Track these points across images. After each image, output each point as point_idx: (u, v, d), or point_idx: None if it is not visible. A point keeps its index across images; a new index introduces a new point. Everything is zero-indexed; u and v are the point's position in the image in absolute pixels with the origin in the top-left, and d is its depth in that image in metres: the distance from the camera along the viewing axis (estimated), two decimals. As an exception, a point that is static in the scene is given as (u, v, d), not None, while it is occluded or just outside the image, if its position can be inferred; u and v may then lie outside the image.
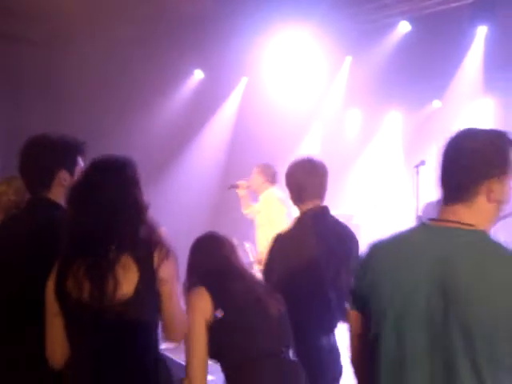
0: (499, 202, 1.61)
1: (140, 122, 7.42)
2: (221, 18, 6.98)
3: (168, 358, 2.35)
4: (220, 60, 7.78)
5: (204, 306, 2.28)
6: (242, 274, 2.45)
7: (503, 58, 7.33)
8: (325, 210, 2.87)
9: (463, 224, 1.58)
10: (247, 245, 5.26)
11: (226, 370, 2.33)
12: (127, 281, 1.88)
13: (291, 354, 2.35)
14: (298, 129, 8.92)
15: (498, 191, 1.59)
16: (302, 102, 8.56)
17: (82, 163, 2.35)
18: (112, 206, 1.93)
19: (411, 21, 7.53)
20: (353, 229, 2.96)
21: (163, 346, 2.16)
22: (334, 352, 2.70)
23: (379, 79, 8.07)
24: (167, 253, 1.95)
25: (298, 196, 2.88)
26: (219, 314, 2.27)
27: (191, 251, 2.54)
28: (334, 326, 2.72)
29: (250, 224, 5.61)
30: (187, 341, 2.24)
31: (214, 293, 2.31)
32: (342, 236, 2.82)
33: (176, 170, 8.14)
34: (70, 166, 2.32)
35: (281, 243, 2.88)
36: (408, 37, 7.62)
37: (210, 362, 2.33)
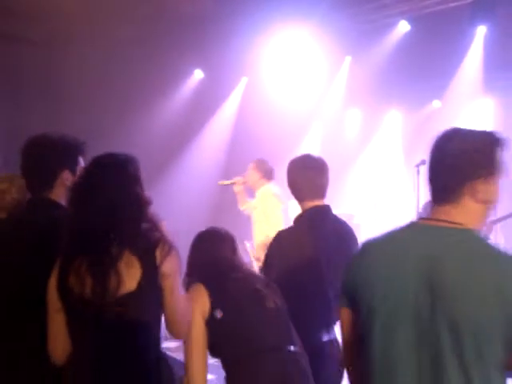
0: (487, 202, 1.62)
1: (140, 121, 7.42)
2: (221, 17, 6.98)
3: (169, 356, 2.35)
4: (220, 60, 7.78)
5: (202, 302, 2.29)
6: (239, 270, 2.46)
7: (503, 58, 7.34)
8: (326, 208, 2.87)
9: (452, 223, 1.60)
10: (248, 244, 5.26)
11: (226, 366, 2.33)
12: (130, 277, 1.89)
13: (293, 346, 2.34)
14: (298, 129, 8.92)
15: (484, 192, 1.60)
16: (302, 101, 8.56)
17: (82, 163, 2.36)
18: (114, 202, 1.93)
19: (411, 21, 7.53)
20: (353, 228, 2.96)
21: (164, 344, 2.16)
22: (335, 345, 2.70)
23: (379, 79, 8.08)
24: (169, 248, 1.95)
25: (298, 194, 2.88)
26: (218, 314, 2.27)
27: (191, 248, 2.55)
28: (334, 320, 2.72)
29: (249, 223, 5.61)
30: (186, 339, 2.24)
31: (212, 290, 2.31)
32: (342, 234, 2.82)
33: (176, 170, 8.14)
34: (73, 166, 2.33)
35: (281, 240, 2.88)
36: (408, 37, 7.62)
37: (210, 361, 2.34)
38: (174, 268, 1.96)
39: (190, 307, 2.18)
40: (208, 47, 7.43)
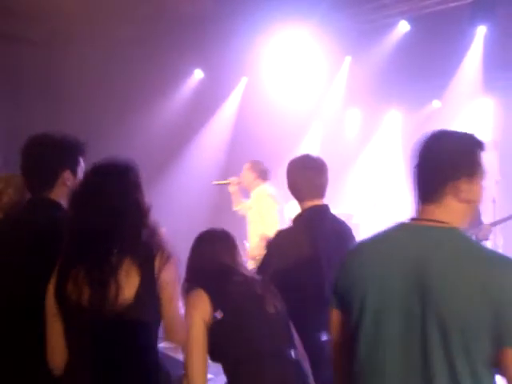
0: (470, 202, 1.66)
1: (140, 121, 7.41)
2: (221, 17, 6.97)
3: (166, 355, 2.35)
4: (220, 60, 7.78)
5: (203, 308, 2.27)
6: (240, 273, 2.44)
7: (503, 58, 7.34)
8: (324, 207, 2.88)
9: (437, 222, 1.64)
10: (247, 244, 5.26)
11: (226, 371, 2.32)
12: (128, 285, 1.88)
13: (293, 353, 2.34)
14: (298, 129, 8.93)
15: (467, 191, 1.64)
16: (302, 101, 8.56)
17: (83, 163, 2.36)
18: (114, 210, 1.92)
19: (411, 21, 7.53)
20: (353, 228, 2.97)
21: (162, 344, 2.16)
22: None
23: (379, 79, 8.08)
24: (168, 257, 1.95)
25: (297, 194, 2.89)
26: (218, 315, 2.26)
27: (191, 251, 2.53)
28: None
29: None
30: (186, 342, 2.23)
31: (212, 294, 2.30)
32: (341, 233, 2.83)
33: (176, 170, 8.14)
34: (73, 166, 2.33)
35: (280, 239, 2.88)
36: (407, 36, 7.62)
37: (210, 361, 2.34)
38: (172, 277, 1.96)
39: (187, 315, 2.18)
40: (208, 47, 7.43)
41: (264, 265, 2.85)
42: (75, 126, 5.28)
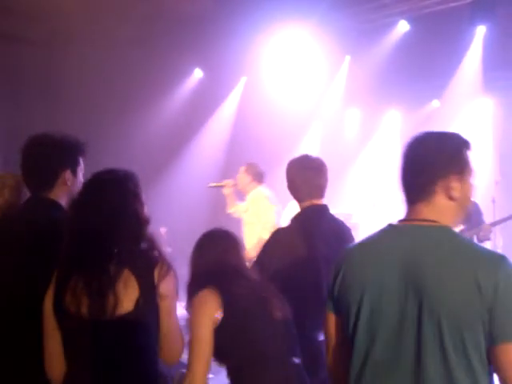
0: (460, 200, 1.67)
1: (139, 121, 7.42)
2: (220, 17, 6.98)
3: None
4: (219, 59, 7.78)
5: (212, 307, 2.24)
6: (245, 276, 2.41)
7: (502, 58, 7.34)
8: (323, 207, 2.88)
9: (427, 221, 1.65)
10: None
11: (230, 373, 2.31)
12: (127, 296, 1.86)
13: (296, 359, 2.33)
14: (298, 128, 8.93)
15: (458, 189, 1.65)
16: (302, 101, 8.56)
17: (82, 163, 2.36)
18: (112, 220, 1.91)
19: (410, 20, 7.53)
20: (352, 228, 2.98)
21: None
22: None
23: (378, 79, 8.08)
24: (168, 269, 1.93)
25: (297, 194, 2.89)
26: (219, 315, 2.24)
27: (194, 254, 2.48)
28: None
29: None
30: (192, 342, 2.21)
31: (222, 293, 2.27)
32: (339, 233, 2.84)
33: (175, 170, 8.15)
34: (73, 166, 2.33)
35: (278, 238, 2.88)
36: (407, 36, 7.63)
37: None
38: (171, 289, 1.94)
39: (195, 316, 2.17)
40: (207, 47, 7.43)
41: (263, 264, 2.85)
42: (75, 125, 5.28)
